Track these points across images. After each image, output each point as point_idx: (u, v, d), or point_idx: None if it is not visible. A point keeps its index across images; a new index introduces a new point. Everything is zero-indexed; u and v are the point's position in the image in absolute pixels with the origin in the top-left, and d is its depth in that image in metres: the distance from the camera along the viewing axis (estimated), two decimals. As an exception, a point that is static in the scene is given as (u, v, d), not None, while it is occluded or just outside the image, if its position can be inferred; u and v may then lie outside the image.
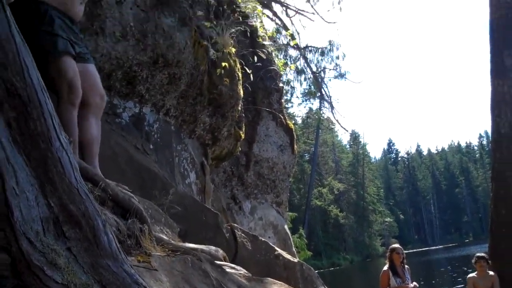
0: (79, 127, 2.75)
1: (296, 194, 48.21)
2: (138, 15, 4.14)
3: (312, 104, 29.46)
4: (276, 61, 8.89)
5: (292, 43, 15.06)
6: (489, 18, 7.46)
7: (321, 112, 30.94)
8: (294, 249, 8.96)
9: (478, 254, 6.70)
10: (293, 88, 19.61)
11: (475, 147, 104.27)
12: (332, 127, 50.88)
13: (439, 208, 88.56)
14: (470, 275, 6.64)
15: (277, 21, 14.30)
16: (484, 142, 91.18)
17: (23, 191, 1.52)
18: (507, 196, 6.87)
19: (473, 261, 6.61)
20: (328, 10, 16.01)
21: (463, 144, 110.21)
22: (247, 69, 6.27)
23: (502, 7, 7.28)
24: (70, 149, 1.74)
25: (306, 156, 55.06)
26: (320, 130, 49.21)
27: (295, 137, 9.62)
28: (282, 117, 8.92)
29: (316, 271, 6.10)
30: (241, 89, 6.16)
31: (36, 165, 1.58)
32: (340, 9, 16.30)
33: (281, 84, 9.11)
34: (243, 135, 6.90)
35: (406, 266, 6.45)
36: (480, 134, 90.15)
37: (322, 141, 59.14)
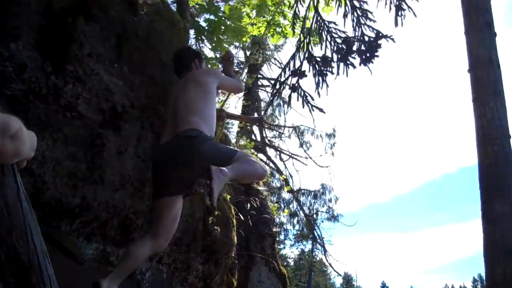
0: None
1: None
2: (138, 165, 4.25)
3: (305, 246, 29.07)
4: (269, 206, 8.99)
5: (286, 189, 15.33)
6: (478, 166, 7.65)
7: (314, 255, 30.49)
8: None
9: None
10: (286, 230, 19.52)
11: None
12: (325, 269, 49.82)
13: None
14: None
15: (271, 165, 14.65)
16: (479, 286, 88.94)
17: None
18: None
19: None
20: (321, 155, 16.42)
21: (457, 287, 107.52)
22: (241, 215, 6.32)
23: (490, 156, 7.52)
24: (65, 315, 1.70)
25: (299, 300, 53.18)
26: (312, 273, 48.14)
27: (287, 282, 9.40)
28: (275, 262, 8.80)
29: None
30: (235, 235, 6.15)
31: (30, 334, 1.53)
32: (332, 153, 16.81)
33: (274, 229, 9.10)
34: (235, 282, 6.75)
35: None
36: (474, 278, 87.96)
37: (315, 284, 57.55)
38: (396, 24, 2.99)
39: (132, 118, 4.24)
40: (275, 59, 14.78)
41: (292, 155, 14.93)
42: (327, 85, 3.35)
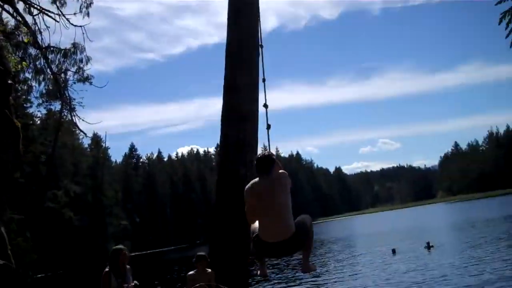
0: None
1: (28, 196, 45.23)
2: None
3: (53, 106, 27.66)
4: (7, 57, 8.37)
5: (25, 40, 14.23)
6: (226, 41, 8.18)
7: (62, 115, 29.41)
8: (10, 252, 8.48)
9: (198, 254, 7.28)
10: (30, 87, 18.23)
11: (213, 156, 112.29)
12: (74, 129, 49.27)
13: (175, 212, 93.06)
14: (190, 272, 7.19)
15: (19, 18, 13.35)
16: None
17: None
18: (227, 201, 7.57)
19: (194, 260, 7.16)
20: (75, 14, 15.28)
21: (201, 152, 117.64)
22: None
23: (236, 31, 8.09)
24: None
25: (43, 158, 52.27)
26: (60, 132, 47.10)
27: (20, 135, 9.15)
28: (6, 115, 8.41)
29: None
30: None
31: None
32: (88, 14, 15.95)
33: (11, 81, 8.57)
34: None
35: (127, 266, 6.66)
36: (218, 144, 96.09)
37: (61, 144, 56.75)
38: None
39: None
40: None
41: (43, 10, 13.80)
42: None
